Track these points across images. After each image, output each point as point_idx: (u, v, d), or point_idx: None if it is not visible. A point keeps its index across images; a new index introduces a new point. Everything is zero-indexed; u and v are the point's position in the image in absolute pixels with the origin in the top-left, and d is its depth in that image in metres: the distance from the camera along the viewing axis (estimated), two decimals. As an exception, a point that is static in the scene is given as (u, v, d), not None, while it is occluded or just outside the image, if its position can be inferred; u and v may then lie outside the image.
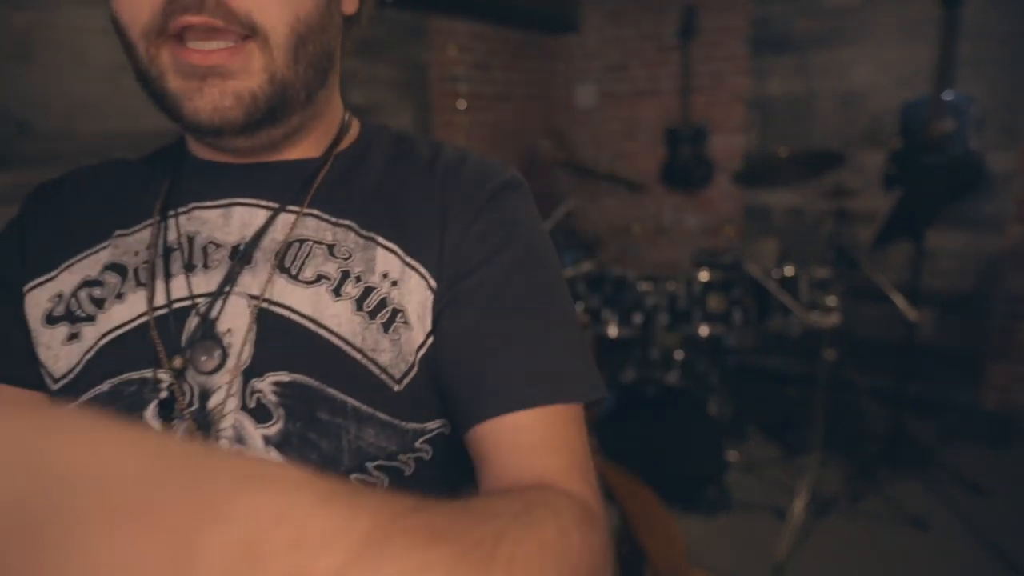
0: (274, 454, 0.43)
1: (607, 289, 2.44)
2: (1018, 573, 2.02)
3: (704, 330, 2.44)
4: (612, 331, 2.40)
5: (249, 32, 0.41)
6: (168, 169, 0.52)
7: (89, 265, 0.49)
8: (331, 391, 0.44)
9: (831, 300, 2.34)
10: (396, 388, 0.45)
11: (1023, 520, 2.25)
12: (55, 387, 0.47)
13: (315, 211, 0.49)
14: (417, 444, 0.46)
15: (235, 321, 0.45)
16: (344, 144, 0.53)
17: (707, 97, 3.46)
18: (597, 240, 3.19)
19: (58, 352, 0.47)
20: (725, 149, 3.45)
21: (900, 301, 2.16)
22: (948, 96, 2.71)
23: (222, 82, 0.42)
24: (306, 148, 0.51)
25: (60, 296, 0.48)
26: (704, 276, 2.57)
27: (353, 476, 0.44)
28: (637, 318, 2.41)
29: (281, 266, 0.46)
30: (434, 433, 0.47)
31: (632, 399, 2.32)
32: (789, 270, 2.51)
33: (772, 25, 3.23)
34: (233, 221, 0.48)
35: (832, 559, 2.11)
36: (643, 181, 3.61)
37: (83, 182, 0.54)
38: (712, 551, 2.17)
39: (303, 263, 0.47)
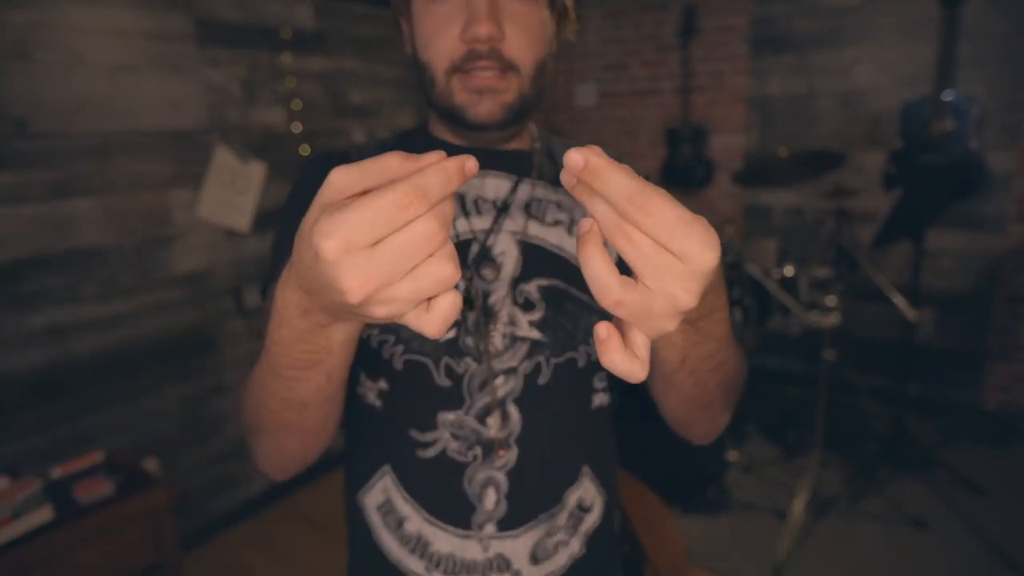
0: (535, 333, 0.67)
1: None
2: (1018, 573, 2.02)
3: (704, 330, 2.42)
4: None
5: (510, 68, 0.62)
6: (423, 150, 0.70)
7: None
8: (574, 291, 0.68)
9: (831, 300, 2.34)
10: None
11: (1023, 520, 2.25)
12: None
13: (541, 181, 0.72)
14: None
15: (505, 247, 0.68)
16: (535, 139, 0.76)
17: (707, 97, 3.45)
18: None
19: None
20: (725, 149, 3.45)
21: (900, 301, 2.16)
22: (948, 96, 2.71)
23: (493, 96, 0.63)
24: (519, 143, 0.73)
25: None
26: (704, 276, 2.55)
27: (580, 347, 0.68)
28: (637, 318, 2.40)
29: (530, 214, 0.70)
30: None
31: (633, 399, 2.32)
32: (789, 270, 2.51)
33: (772, 25, 3.22)
34: (488, 185, 0.70)
35: (832, 559, 2.11)
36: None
37: (364, 155, 0.72)
38: (712, 551, 2.16)
39: (544, 213, 0.71)
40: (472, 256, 0.68)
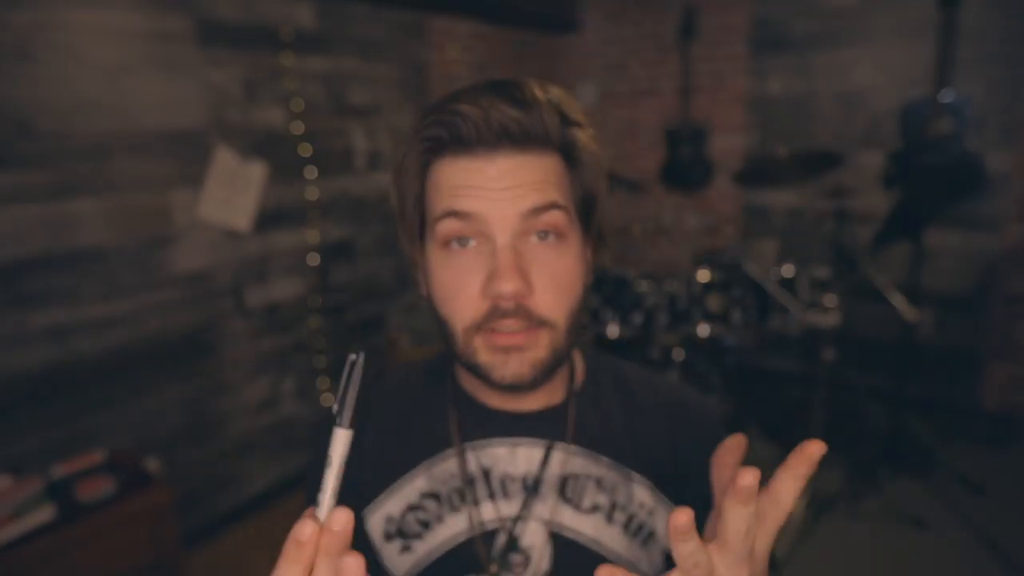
0: None
1: (607, 289, 2.44)
2: (1018, 573, 2.02)
3: (704, 330, 2.44)
4: (612, 331, 2.40)
5: (541, 323, 0.54)
6: (450, 406, 0.66)
7: (409, 493, 0.64)
8: None
9: (830, 300, 2.34)
10: None
11: (1023, 520, 2.25)
12: None
13: (579, 448, 0.63)
14: None
15: (534, 540, 0.61)
16: (577, 382, 0.67)
17: (707, 97, 3.46)
18: (597, 240, 3.18)
19: (396, 561, 0.63)
20: (725, 149, 3.45)
21: (900, 301, 2.17)
22: (947, 96, 2.71)
23: (520, 355, 0.55)
24: (556, 395, 0.65)
25: (391, 518, 0.64)
26: (704, 276, 2.57)
27: None
28: (637, 318, 2.41)
29: (564, 497, 0.62)
30: None
31: None
32: (789, 270, 2.51)
33: (772, 25, 3.23)
34: (519, 457, 0.63)
35: (832, 559, 2.11)
36: (643, 181, 3.61)
37: (381, 404, 0.69)
38: (712, 551, 2.16)
39: (581, 494, 0.62)
40: (498, 548, 0.61)
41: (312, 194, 2.59)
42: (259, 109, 2.37)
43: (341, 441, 0.37)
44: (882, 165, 2.90)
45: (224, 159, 2.25)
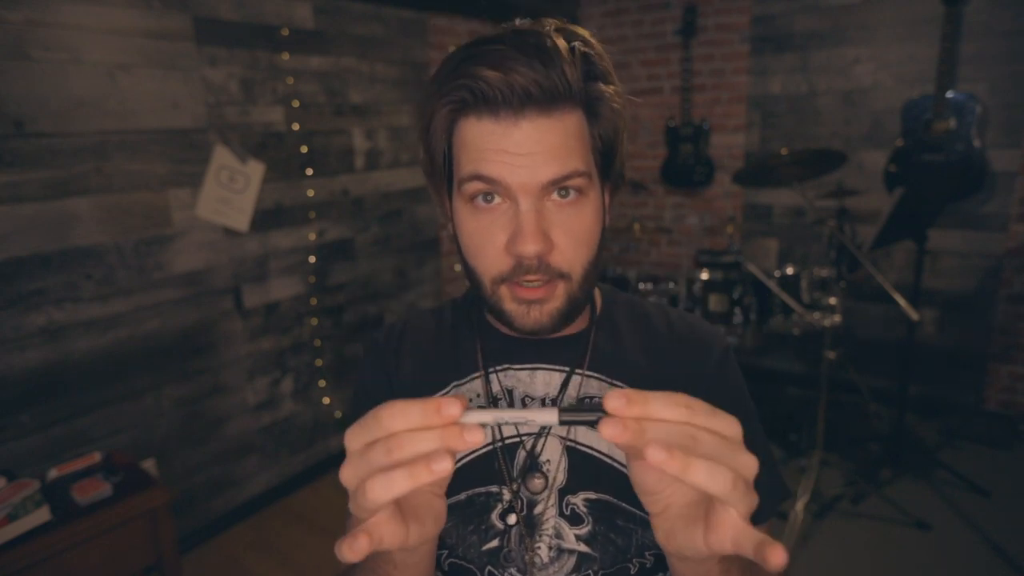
0: (583, 547, 0.63)
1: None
2: (1020, 574, 2.01)
3: (705, 330, 2.42)
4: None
5: (559, 276, 0.59)
6: (477, 336, 0.73)
7: None
8: (625, 505, 0.64)
9: (832, 300, 2.33)
10: None
11: (1025, 521, 2.24)
12: None
13: (595, 373, 0.69)
14: None
15: (551, 455, 0.66)
16: (597, 311, 0.73)
17: (708, 96, 3.44)
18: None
19: None
20: (726, 148, 3.44)
21: (902, 301, 2.15)
22: (950, 95, 2.70)
23: (540, 306, 0.60)
24: (577, 324, 0.71)
25: None
26: (704, 276, 2.56)
27: (634, 560, 0.63)
28: (637, 318, 2.40)
29: None
30: None
31: None
32: (790, 270, 2.50)
33: (773, 23, 3.21)
34: (538, 381, 0.69)
35: (833, 560, 2.10)
36: (644, 180, 3.60)
37: (417, 335, 0.76)
38: (713, 552, 2.15)
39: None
40: (518, 464, 0.66)
41: (311, 193, 2.58)
42: (257, 108, 2.36)
43: None
44: (884, 164, 2.89)
45: (222, 158, 2.24)
